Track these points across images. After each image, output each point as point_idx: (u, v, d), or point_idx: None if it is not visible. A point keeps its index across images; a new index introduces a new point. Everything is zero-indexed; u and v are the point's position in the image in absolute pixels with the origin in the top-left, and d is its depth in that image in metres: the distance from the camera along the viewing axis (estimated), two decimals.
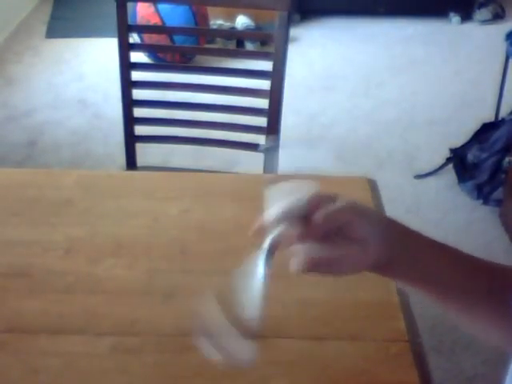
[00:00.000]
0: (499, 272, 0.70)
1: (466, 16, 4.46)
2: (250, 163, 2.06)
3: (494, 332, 0.70)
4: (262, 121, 1.81)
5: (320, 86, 3.70)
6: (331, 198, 0.66)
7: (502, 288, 0.68)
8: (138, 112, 1.86)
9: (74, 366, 0.96)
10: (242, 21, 4.11)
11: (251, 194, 1.37)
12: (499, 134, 2.72)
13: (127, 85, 1.82)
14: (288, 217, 0.65)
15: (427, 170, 2.90)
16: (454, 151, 2.84)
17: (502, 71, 2.90)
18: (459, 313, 0.70)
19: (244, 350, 0.63)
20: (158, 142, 2.00)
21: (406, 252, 0.67)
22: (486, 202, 2.70)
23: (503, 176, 2.64)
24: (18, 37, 4.25)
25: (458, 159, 2.82)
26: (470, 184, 2.74)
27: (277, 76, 1.76)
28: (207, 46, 3.80)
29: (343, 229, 0.65)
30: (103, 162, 2.93)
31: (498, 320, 0.67)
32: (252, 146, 1.86)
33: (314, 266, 0.66)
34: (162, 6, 3.63)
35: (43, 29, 4.38)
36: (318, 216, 0.65)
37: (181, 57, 3.62)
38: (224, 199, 1.32)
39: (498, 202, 2.65)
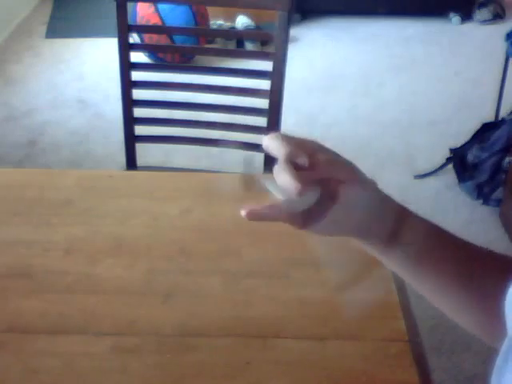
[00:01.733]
0: (485, 255, 0.70)
1: (466, 16, 4.46)
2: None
3: (469, 316, 0.69)
4: (262, 121, 1.81)
5: (320, 85, 3.70)
6: (332, 153, 0.64)
7: (485, 272, 0.68)
8: (138, 112, 1.86)
9: (74, 366, 0.96)
10: (242, 21, 4.11)
11: (251, 194, 1.38)
12: (499, 134, 2.71)
13: (127, 85, 1.82)
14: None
15: (427, 170, 2.90)
16: (454, 151, 2.84)
17: (502, 71, 2.90)
18: (436, 291, 0.70)
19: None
20: (157, 142, 2.00)
21: (395, 227, 0.66)
22: (486, 202, 2.70)
23: (503, 176, 2.64)
24: (18, 37, 4.25)
25: (458, 159, 2.82)
26: (469, 184, 2.74)
27: (277, 76, 1.76)
28: (207, 45, 3.80)
29: (335, 188, 0.63)
30: (103, 162, 2.93)
31: (474, 304, 0.67)
32: (252, 146, 1.86)
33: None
34: (162, 6, 3.63)
35: (43, 29, 4.38)
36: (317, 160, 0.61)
37: (181, 57, 3.62)
38: (224, 199, 1.32)
39: (498, 202, 2.65)
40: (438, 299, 0.71)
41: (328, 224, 0.65)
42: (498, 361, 0.56)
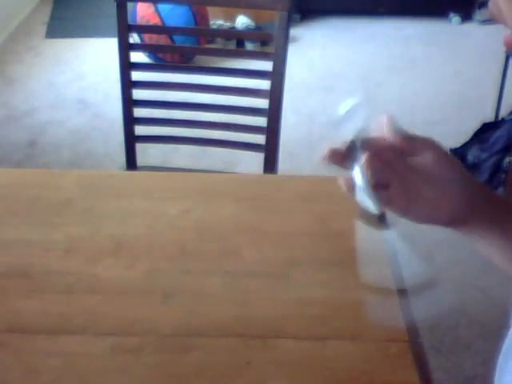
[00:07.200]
0: None
1: (466, 16, 4.46)
2: (250, 163, 2.06)
3: None
4: (262, 121, 1.81)
5: (320, 85, 3.70)
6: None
7: None
8: (138, 112, 1.86)
9: (74, 366, 0.96)
10: (242, 21, 4.11)
11: (251, 193, 1.38)
12: (499, 134, 2.72)
13: (127, 85, 1.82)
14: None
15: None
16: (453, 151, 2.84)
17: (502, 71, 2.90)
18: None
19: None
20: (157, 141, 2.00)
21: (485, 209, 0.67)
22: None
23: (503, 176, 2.64)
24: (18, 37, 4.25)
25: (458, 159, 2.82)
26: None
27: (277, 76, 1.76)
28: (207, 45, 3.80)
29: (424, 168, 0.65)
30: (103, 162, 2.93)
31: None
32: (252, 146, 1.86)
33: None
34: (162, 6, 3.63)
35: (43, 29, 4.38)
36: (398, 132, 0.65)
37: (181, 57, 3.62)
38: (224, 199, 1.32)
39: None
40: None
41: (425, 206, 0.66)
42: (500, 360, 0.56)
